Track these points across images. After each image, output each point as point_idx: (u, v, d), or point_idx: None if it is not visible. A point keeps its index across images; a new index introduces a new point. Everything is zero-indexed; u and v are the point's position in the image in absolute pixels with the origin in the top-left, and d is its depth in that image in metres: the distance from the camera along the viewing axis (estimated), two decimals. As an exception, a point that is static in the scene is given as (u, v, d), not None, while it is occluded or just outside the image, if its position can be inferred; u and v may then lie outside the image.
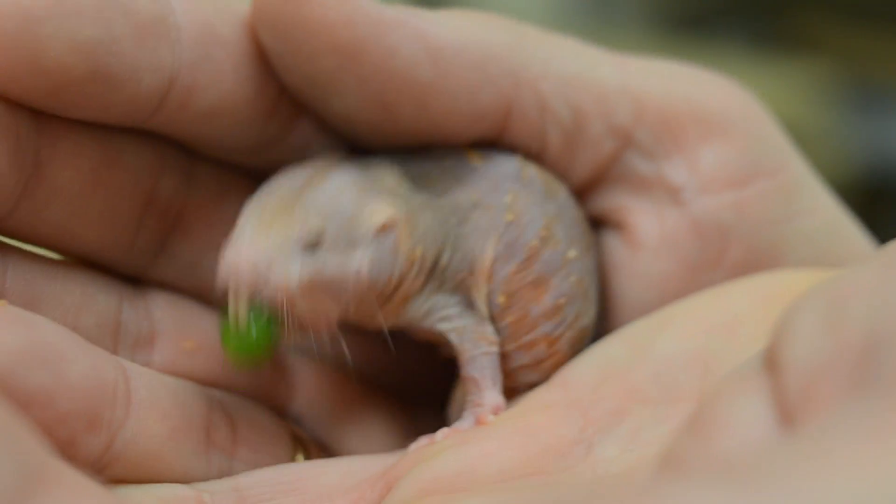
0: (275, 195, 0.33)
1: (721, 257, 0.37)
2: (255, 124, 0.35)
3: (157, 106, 0.33)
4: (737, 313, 0.34)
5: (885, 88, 1.24)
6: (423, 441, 0.35)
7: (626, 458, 0.31)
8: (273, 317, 0.32)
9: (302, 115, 0.36)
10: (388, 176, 0.35)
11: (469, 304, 0.36)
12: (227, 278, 0.32)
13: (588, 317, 0.37)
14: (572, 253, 0.36)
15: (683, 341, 0.34)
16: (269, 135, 0.36)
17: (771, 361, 0.25)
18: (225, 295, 0.32)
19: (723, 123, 0.37)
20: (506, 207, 0.36)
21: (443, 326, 0.36)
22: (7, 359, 0.29)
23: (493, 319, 0.36)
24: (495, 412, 0.35)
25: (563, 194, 0.37)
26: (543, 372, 0.37)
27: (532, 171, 0.36)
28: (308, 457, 0.36)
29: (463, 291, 0.36)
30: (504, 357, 0.36)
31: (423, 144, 0.36)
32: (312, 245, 0.32)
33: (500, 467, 0.32)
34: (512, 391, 0.36)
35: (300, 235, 0.32)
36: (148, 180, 0.35)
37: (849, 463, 0.20)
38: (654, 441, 0.31)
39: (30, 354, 0.30)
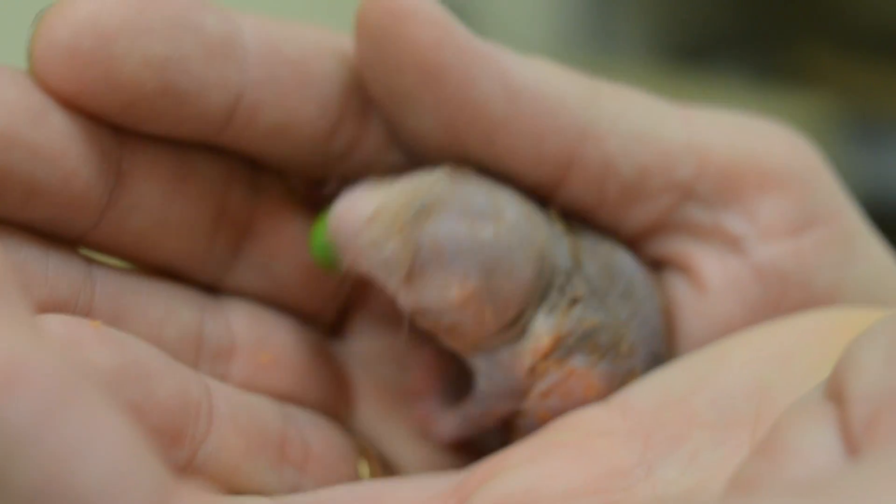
0: (426, 195, 0.35)
1: (781, 301, 0.38)
2: (319, 143, 0.36)
3: (225, 122, 0.34)
4: (791, 346, 0.35)
5: (886, 122, 1.26)
6: None
7: (686, 480, 0.32)
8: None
9: (365, 136, 0.37)
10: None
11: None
12: (336, 204, 0.35)
13: (603, 332, 0.37)
14: (594, 301, 0.37)
15: (741, 371, 0.35)
16: (332, 153, 0.37)
17: (835, 393, 0.27)
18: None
19: (781, 176, 0.38)
20: (557, 286, 0.36)
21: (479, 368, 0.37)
22: (102, 378, 0.31)
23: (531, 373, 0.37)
24: (438, 436, 0.38)
25: (587, 246, 0.38)
26: (566, 396, 0.37)
27: (570, 246, 0.37)
28: (373, 470, 0.38)
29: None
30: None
31: (490, 174, 0.37)
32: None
33: (565, 486, 0.33)
34: (539, 418, 0.37)
35: (385, 255, 0.34)
36: (219, 191, 0.36)
37: None
38: (713, 464, 0.32)
39: (123, 373, 0.32)
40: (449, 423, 0.38)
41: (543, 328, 0.36)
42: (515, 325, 0.36)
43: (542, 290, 0.36)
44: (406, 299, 0.35)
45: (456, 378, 0.40)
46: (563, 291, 0.37)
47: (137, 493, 0.22)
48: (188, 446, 0.33)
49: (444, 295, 0.34)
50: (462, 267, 0.34)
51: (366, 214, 0.34)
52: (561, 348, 0.37)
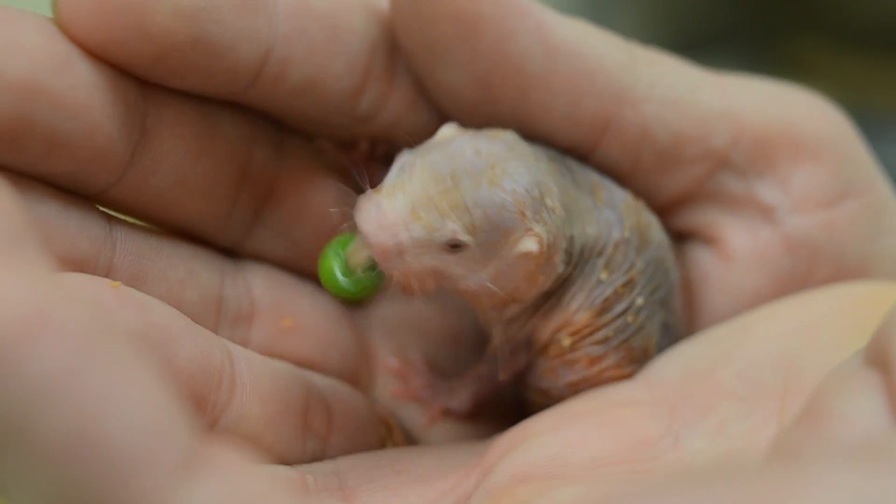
0: (453, 165, 0.32)
1: (811, 274, 0.38)
2: (346, 100, 0.35)
3: (255, 77, 0.33)
4: (818, 318, 0.35)
5: (883, 116, 1.26)
6: None
7: (714, 450, 0.32)
8: (381, 274, 0.33)
9: (392, 94, 0.36)
10: (554, 191, 0.34)
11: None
12: (365, 226, 0.32)
13: (639, 338, 0.37)
14: (640, 300, 0.36)
15: (767, 343, 0.34)
16: (360, 111, 0.36)
17: (879, 358, 0.26)
18: (348, 229, 0.33)
19: (815, 145, 0.37)
20: (604, 263, 0.36)
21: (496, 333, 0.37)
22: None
23: (546, 346, 0.37)
24: (443, 414, 0.38)
25: (655, 240, 0.37)
26: (596, 385, 0.37)
27: (633, 217, 0.36)
28: (395, 438, 0.37)
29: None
30: (549, 372, 0.37)
31: (521, 135, 0.36)
32: (455, 247, 0.32)
33: (591, 455, 0.32)
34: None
35: (451, 235, 0.32)
36: (243, 152, 0.36)
37: None
38: (741, 434, 0.32)
39: (143, 336, 0.31)
40: (461, 392, 0.38)
41: (579, 303, 0.36)
42: (547, 299, 0.36)
43: (572, 267, 0.35)
44: (478, 276, 0.33)
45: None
46: (612, 267, 0.36)
47: (169, 451, 0.21)
48: (209, 414, 0.32)
49: (521, 250, 0.33)
50: (539, 214, 0.33)
51: (403, 210, 0.32)
52: (596, 337, 0.36)
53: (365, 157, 0.38)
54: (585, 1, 1.31)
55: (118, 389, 0.21)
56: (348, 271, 0.33)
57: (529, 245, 0.33)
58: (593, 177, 0.36)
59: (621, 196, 0.37)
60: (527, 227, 0.33)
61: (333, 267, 0.33)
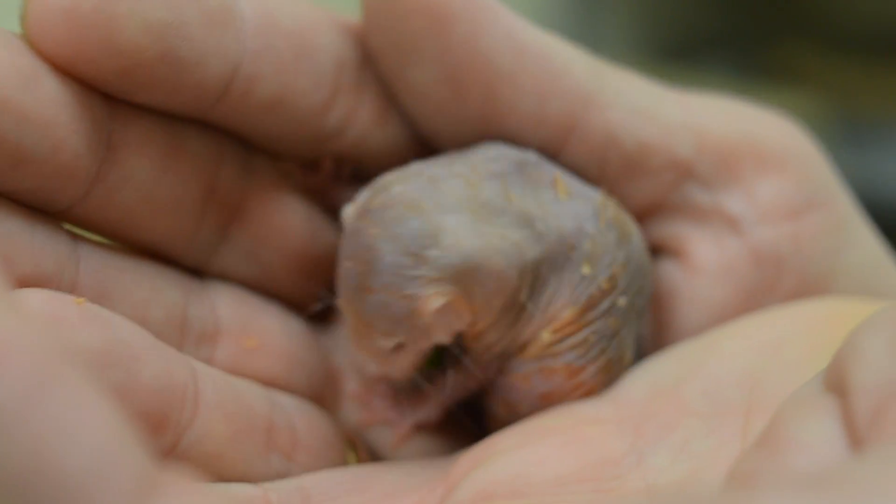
0: (345, 288, 0.35)
1: (775, 286, 0.38)
2: (313, 117, 0.36)
3: (222, 93, 0.34)
4: (783, 335, 0.35)
5: (871, 121, 1.26)
6: None
7: (677, 469, 0.32)
8: None
9: (359, 110, 0.37)
10: (447, 226, 0.34)
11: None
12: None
13: (615, 346, 0.37)
14: (622, 301, 0.37)
15: (731, 360, 0.34)
16: (327, 128, 0.36)
17: (837, 384, 0.26)
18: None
19: (779, 158, 0.38)
20: (584, 257, 0.36)
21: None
22: (86, 358, 0.30)
23: (525, 345, 0.37)
24: (413, 430, 0.38)
25: (636, 236, 0.37)
26: (564, 399, 0.37)
27: (610, 211, 0.37)
28: (360, 457, 0.37)
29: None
30: (522, 379, 0.37)
31: (488, 136, 0.37)
32: (400, 347, 0.35)
33: (555, 473, 0.32)
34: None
35: (386, 348, 0.35)
36: (209, 170, 0.36)
37: None
38: (704, 452, 0.32)
39: (107, 353, 0.31)
40: (431, 402, 0.38)
41: (565, 299, 0.36)
42: (510, 311, 0.36)
43: (546, 267, 0.36)
44: (438, 339, 0.35)
45: None
46: (594, 260, 0.36)
47: (122, 478, 0.21)
48: (172, 431, 0.32)
49: (430, 310, 0.34)
50: (427, 274, 0.34)
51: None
52: (577, 339, 0.36)
53: (330, 177, 0.38)
54: (577, 9, 1.32)
55: (72, 417, 0.21)
56: None
57: (434, 304, 0.34)
58: (555, 172, 0.37)
59: (594, 192, 0.37)
60: (418, 298, 0.33)
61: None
